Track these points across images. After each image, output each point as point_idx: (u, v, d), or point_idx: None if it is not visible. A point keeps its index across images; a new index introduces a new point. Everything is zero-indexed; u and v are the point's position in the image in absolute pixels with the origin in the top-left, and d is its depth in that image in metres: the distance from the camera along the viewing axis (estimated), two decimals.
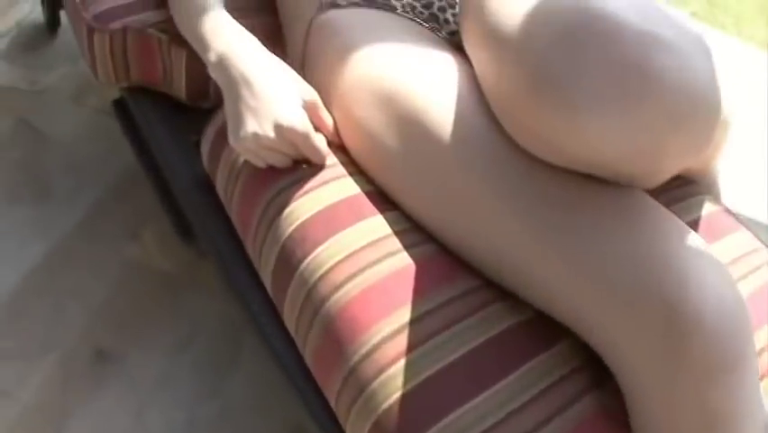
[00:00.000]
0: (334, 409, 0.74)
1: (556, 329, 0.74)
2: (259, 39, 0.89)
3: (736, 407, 0.61)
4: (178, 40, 1.02)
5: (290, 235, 0.78)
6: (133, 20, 1.06)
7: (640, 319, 0.60)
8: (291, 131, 0.78)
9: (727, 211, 0.96)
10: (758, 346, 0.80)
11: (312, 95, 0.83)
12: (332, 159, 0.83)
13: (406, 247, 0.76)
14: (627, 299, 0.61)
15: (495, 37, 0.69)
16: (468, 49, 0.82)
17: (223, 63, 0.84)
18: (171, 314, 1.26)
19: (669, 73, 0.57)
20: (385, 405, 0.67)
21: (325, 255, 0.75)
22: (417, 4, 0.93)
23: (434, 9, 0.93)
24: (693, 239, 0.64)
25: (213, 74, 0.86)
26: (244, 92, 0.80)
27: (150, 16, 1.06)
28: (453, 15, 0.93)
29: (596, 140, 0.58)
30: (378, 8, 0.93)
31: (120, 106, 1.21)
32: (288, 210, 0.79)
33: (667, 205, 0.91)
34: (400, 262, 0.74)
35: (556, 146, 0.62)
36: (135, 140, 1.18)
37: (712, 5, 2.72)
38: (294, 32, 0.99)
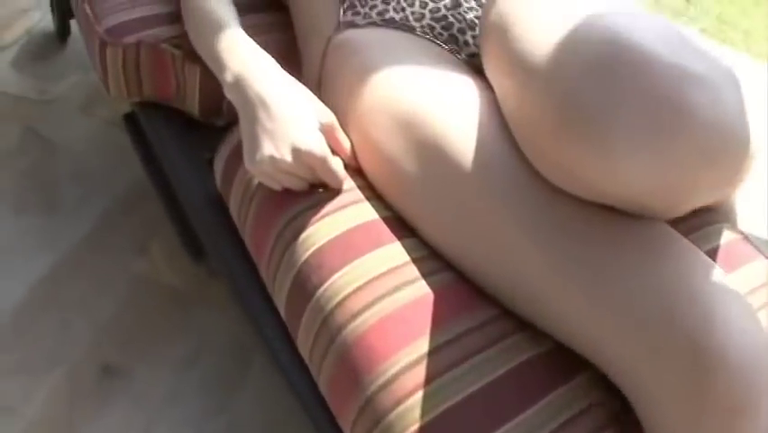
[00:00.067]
0: None
1: (575, 361, 0.73)
2: (272, 56, 0.88)
3: None
4: (192, 56, 1.01)
5: (306, 261, 0.76)
6: (147, 34, 1.05)
7: (664, 354, 0.60)
8: (309, 154, 0.77)
9: (746, 239, 0.95)
10: None
11: (329, 117, 0.81)
12: (349, 183, 0.82)
13: (425, 275, 0.75)
14: (652, 333, 0.60)
15: (521, 64, 0.68)
16: (489, 73, 0.81)
17: (239, 84, 0.83)
18: (179, 329, 1.25)
19: (701, 109, 0.56)
20: None
21: (342, 282, 0.74)
22: (437, 26, 0.92)
23: (454, 30, 0.92)
24: (717, 273, 0.63)
25: (228, 94, 0.85)
26: (261, 114, 0.79)
27: (163, 31, 1.05)
28: (473, 37, 0.92)
29: (626, 176, 0.57)
30: (396, 28, 0.92)
31: (130, 120, 1.20)
32: (304, 235, 0.78)
33: (685, 234, 0.90)
34: (419, 291, 0.73)
35: (582, 179, 0.61)
36: (145, 155, 1.17)
37: (721, 22, 2.71)
38: (310, 51, 0.98)
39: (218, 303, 1.30)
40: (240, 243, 0.92)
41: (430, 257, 0.77)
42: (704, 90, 0.56)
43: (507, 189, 0.70)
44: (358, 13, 0.95)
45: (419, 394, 0.67)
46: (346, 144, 0.84)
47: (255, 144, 0.78)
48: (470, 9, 0.93)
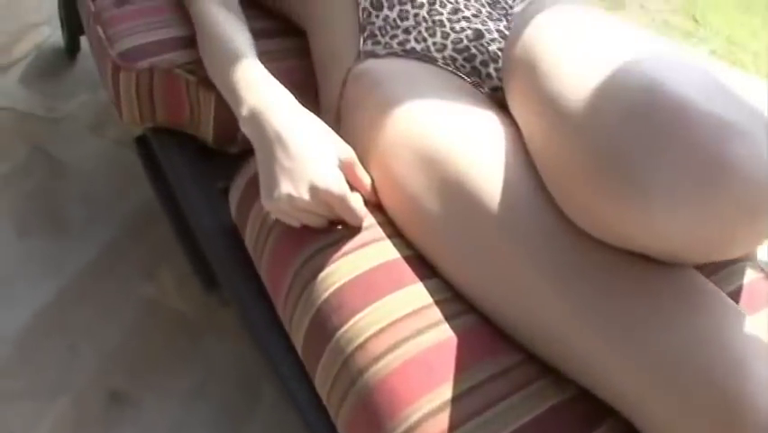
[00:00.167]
0: None
1: (600, 408, 0.71)
2: (285, 84, 0.87)
3: None
4: (207, 82, 0.99)
5: (326, 300, 0.75)
6: (161, 59, 1.03)
7: (694, 403, 0.58)
8: (327, 193, 0.75)
9: (767, 277, 0.94)
10: None
11: (348, 153, 0.80)
12: (369, 219, 0.81)
13: (447, 318, 0.73)
14: (681, 383, 0.59)
15: (551, 104, 0.66)
16: (514, 109, 0.80)
17: (255, 119, 0.81)
18: (187, 358, 1.22)
19: (742, 162, 0.54)
20: None
21: (364, 324, 0.72)
22: (459, 57, 0.91)
23: (477, 63, 0.91)
24: (746, 324, 0.62)
25: (244, 129, 0.83)
26: (278, 152, 0.78)
27: (177, 56, 1.04)
28: (496, 70, 0.90)
29: (663, 230, 0.56)
30: (417, 59, 0.91)
31: (142, 144, 1.19)
32: (323, 274, 0.76)
33: (708, 274, 0.88)
34: (442, 334, 0.71)
35: (615, 229, 0.59)
36: (156, 180, 1.15)
37: (731, 43, 2.70)
38: (329, 81, 0.97)
39: (227, 331, 1.27)
40: (255, 276, 0.89)
41: (452, 299, 0.75)
42: (744, 142, 0.54)
43: (531, 231, 0.68)
44: (378, 43, 0.93)
45: None
46: (366, 180, 0.82)
47: (272, 182, 0.77)
48: (493, 41, 0.91)
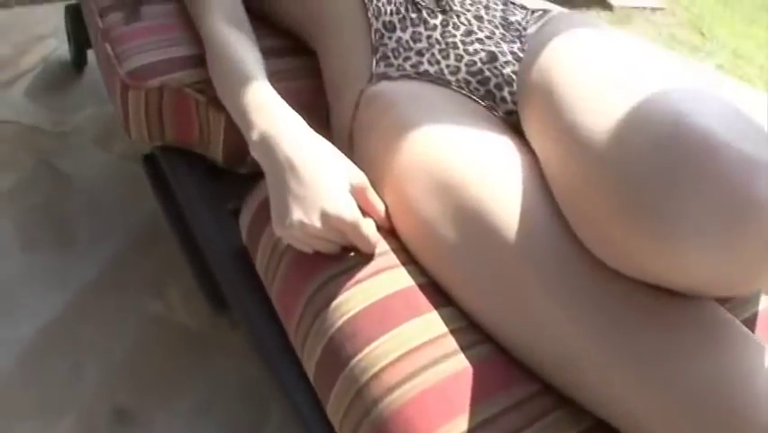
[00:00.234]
0: None
1: None
2: (294, 104, 0.86)
3: None
4: (217, 102, 0.98)
5: (340, 328, 0.74)
6: (170, 78, 1.02)
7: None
8: (339, 220, 0.74)
9: None
10: None
11: (360, 178, 0.79)
12: (383, 245, 0.79)
13: (463, 348, 0.72)
14: (701, 414, 0.58)
15: (570, 133, 0.66)
16: (530, 134, 0.79)
17: (266, 144, 0.80)
18: (194, 375, 1.21)
19: None
20: None
21: (379, 352, 0.71)
22: (473, 80, 0.90)
23: (491, 86, 0.90)
24: (766, 355, 0.62)
25: (254, 153, 0.82)
26: (289, 178, 0.77)
27: (187, 75, 1.03)
28: (511, 94, 0.89)
29: (689, 268, 0.55)
30: (431, 82, 0.90)
31: (150, 162, 1.18)
32: (337, 301, 0.75)
33: (723, 302, 0.87)
34: (458, 364, 0.70)
35: (638, 264, 0.59)
36: (165, 198, 1.14)
37: (737, 57, 2.70)
38: (342, 102, 0.96)
39: (235, 347, 1.26)
40: (266, 299, 0.88)
41: (467, 328, 0.74)
42: None
43: (548, 259, 0.67)
44: (391, 65, 0.92)
45: None
46: (379, 206, 0.81)
47: (284, 209, 0.76)
48: (507, 63, 0.90)
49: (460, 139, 0.79)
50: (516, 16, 0.99)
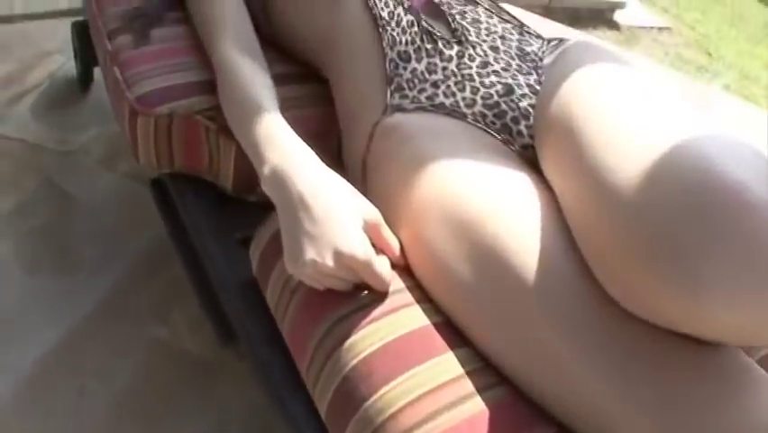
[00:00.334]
0: None
1: None
2: (302, 133, 0.84)
3: None
4: (227, 130, 0.96)
5: (354, 368, 0.72)
6: (180, 104, 1.01)
7: None
8: (352, 259, 0.73)
9: None
10: None
11: (374, 214, 0.77)
12: (396, 283, 0.78)
13: (479, 390, 0.70)
14: None
15: (592, 174, 0.65)
16: (548, 171, 0.78)
17: (277, 179, 0.79)
18: (200, 403, 1.19)
19: None
20: None
21: (394, 394, 0.69)
22: (489, 113, 0.89)
23: (507, 119, 0.88)
24: None
25: (265, 188, 0.81)
26: (302, 216, 0.75)
27: (197, 102, 1.02)
28: (527, 127, 0.88)
29: (717, 320, 0.54)
30: (446, 114, 0.89)
31: (158, 187, 1.16)
32: (351, 340, 0.73)
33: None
34: (475, 407, 0.68)
35: (664, 315, 0.57)
36: (173, 224, 1.13)
37: (744, 77, 2.69)
38: (355, 134, 0.94)
39: (241, 375, 1.24)
40: (275, 333, 0.86)
41: (483, 369, 0.73)
42: None
43: (566, 301, 0.66)
44: (406, 97, 0.91)
45: None
46: (393, 243, 0.79)
47: (296, 247, 0.74)
48: (524, 96, 0.89)
49: (476, 174, 0.78)
50: (533, 47, 0.98)
